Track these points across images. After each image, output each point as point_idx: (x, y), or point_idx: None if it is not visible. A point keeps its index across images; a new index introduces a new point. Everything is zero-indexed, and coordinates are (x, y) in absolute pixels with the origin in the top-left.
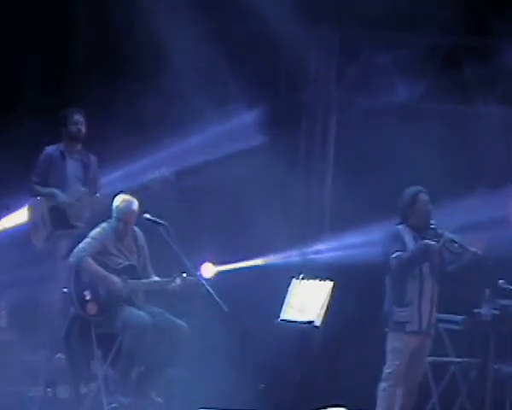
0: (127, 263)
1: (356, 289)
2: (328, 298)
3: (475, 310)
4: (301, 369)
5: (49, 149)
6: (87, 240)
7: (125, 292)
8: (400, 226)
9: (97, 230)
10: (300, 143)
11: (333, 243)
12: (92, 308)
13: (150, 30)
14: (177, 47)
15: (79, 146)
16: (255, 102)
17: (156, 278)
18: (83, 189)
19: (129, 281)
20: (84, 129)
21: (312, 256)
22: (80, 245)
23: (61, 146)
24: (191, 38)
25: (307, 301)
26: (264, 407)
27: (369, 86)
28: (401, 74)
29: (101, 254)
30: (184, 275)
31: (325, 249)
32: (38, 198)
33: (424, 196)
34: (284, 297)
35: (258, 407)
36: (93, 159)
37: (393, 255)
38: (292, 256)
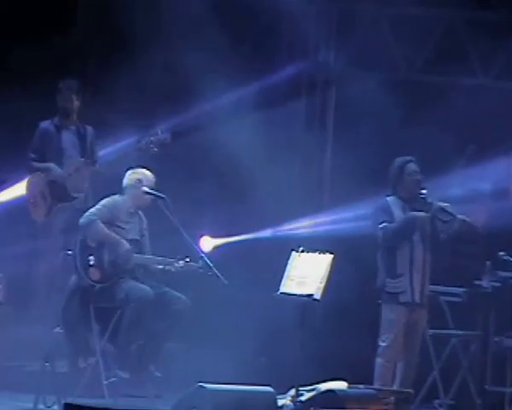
0: (133, 237)
1: (356, 261)
2: (328, 271)
3: (476, 282)
4: (301, 342)
5: (44, 123)
6: (97, 206)
7: (127, 264)
8: (390, 198)
9: (108, 199)
10: (300, 116)
11: (332, 216)
12: (95, 274)
13: (150, 3)
14: (176, 21)
15: (74, 118)
16: (254, 75)
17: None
18: (81, 159)
19: (133, 254)
20: (74, 102)
21: (312, 229)
22: (91, 210)
23: (55, 119)
24: (191, 12)
25: (307, 274)
26: (263, 381)
27: (369, 59)
28: (401, 47)
29: (108, 224)
30: (188, 259)
31: (325, 222)
32: (36, 173)
33: (412, 166)
34: (284, 270)
35: (258, 382)
36: (89, 130)
37: (380, 226)
38: (292, 229)
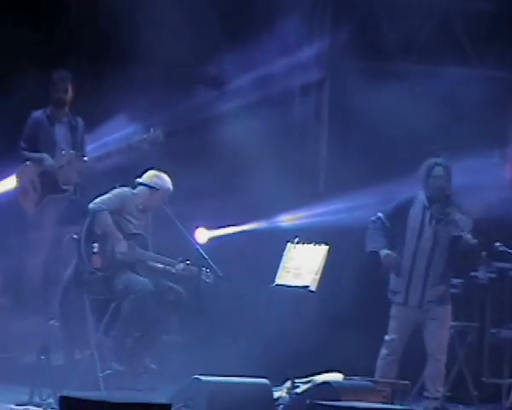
0: (138, 232)
1: (352, 252)
2: (324, 262)
3: (472, 273)
4: (297, 334)
5: (36, 113)
6: (109, 195)
7: (129, 258)
8: (420, 192)
9: (119, 190)
10: (295, 106)
11: (328, 207)
12: (97, 261)
13: None
14: (170, 11)
15: (66, 109)
16: (248, 66)
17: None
18: (72, 152)
19: (137, 249)
20: (68, 94)
21: (307, 220)
22: (102, 197)
23: (47, 110)
24: (184, 5)
25: (302, 266)
26: (259, 373)
27: (364, 47)
28: (396, 35)
29: (117, 215)
30: (188, 262)
31: (320, 213)
32: (27, 163)
33: (438, 170)
34: (279, 262)
35: (254, 374)
36: (80, 122)
37: (378, 214)
38: (287, 221)
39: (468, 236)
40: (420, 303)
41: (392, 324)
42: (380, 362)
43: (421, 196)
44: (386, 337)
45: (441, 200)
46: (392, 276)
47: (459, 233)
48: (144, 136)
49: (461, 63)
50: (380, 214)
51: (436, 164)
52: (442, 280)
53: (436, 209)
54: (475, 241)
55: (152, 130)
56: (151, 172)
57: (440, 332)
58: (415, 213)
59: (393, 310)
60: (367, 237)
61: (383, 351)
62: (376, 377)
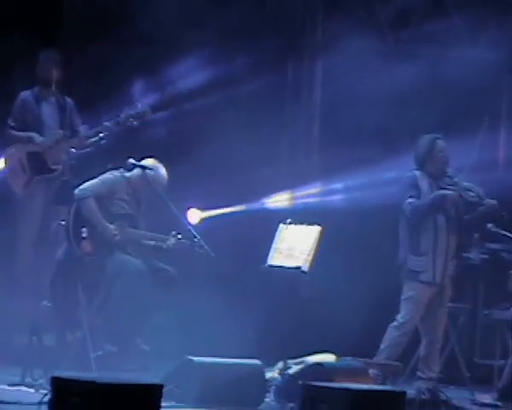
0: (127, 211)
1: (345, 233)
2: (316, 243)
3: (464, 254)
4: (289, 315)
5: (24, 93)
6: (95, 181)
7: (118, 240)
8: (417, 172)
9: (108, 175)
10: (287, 88)
11: (320, 188)
12: (87, 246)
13: None
14: None
15: (53, 89)
16: (241, 47)
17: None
18: (60, 131)
19: (126, 229)
20: (54, 72)
21: (299, 201)
22: (88, 183)
23: (35, 90)
24: None
25: (295, 247)
26: (251, 353)
27: (356, 30)
28: (388, 17)
29: (105, 198)
30: (179, 236)
31: (312, 194)
32: (17, 145)
33: (441, 143)
34: (271, 243)
35: (246, 354)
36: (69, 102)
37: (408, 201)
38: (279, 201)
39: (487, 199)
40: (442, 280)
41: (408, 304)
42: (391, 342)
43: (421, 174)
44: (400, 319)
45: (444, 173)
46: (411, 256)
47: (477, 198)
48: (131, 111)
49: (453, 44)
50: (412, 199)
51: (437, 138)
52: (455, 254)
53: (446, 182)
54: (495, 201)
55: (139, 105)
56: (150, 160)
57: (444, 314)
58: (425, 190)
59: (411, 290)
60: (424, 209)
61: (394, 332)
62: (382, 357)
